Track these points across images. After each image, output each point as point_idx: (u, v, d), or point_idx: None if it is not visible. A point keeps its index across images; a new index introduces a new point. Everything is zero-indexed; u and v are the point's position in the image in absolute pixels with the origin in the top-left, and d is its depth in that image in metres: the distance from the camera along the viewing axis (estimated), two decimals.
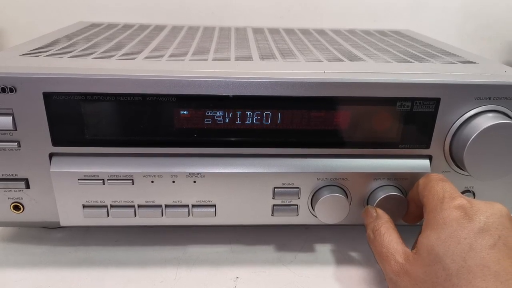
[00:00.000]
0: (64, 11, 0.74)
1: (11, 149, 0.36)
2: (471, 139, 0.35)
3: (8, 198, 0.38)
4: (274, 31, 0.60)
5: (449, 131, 0.37)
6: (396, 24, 0.77)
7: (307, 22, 0.78)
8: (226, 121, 0.36)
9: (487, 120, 0.36)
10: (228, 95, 0.35)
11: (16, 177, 0.37)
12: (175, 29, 0.59)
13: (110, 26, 0.59)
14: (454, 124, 0.37)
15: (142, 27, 0.59)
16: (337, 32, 0.61)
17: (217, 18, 0.77)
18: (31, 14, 0.75)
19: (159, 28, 0.59)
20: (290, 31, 0.61)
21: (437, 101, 0.36)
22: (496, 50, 0.82)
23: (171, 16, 0.76)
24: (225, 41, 0.51)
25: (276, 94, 0.36)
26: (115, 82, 0.34)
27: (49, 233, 0.43)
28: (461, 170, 0.39)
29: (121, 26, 0.59)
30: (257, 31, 0.61)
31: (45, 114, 0.35)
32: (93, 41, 0.47)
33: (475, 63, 0.43)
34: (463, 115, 0.37)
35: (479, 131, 0.35)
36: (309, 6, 0.78)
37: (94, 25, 0.59)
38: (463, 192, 0.40)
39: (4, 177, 0.37)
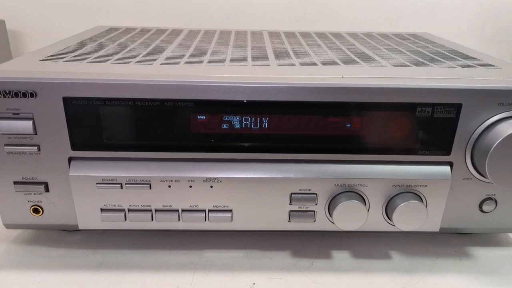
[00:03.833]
0: (82, 15, 0.75)
1: (31, 153, 0.36)
2: (493, 146, 0.35)
3: (28, 201, 0.38)
4: (290, 35, 0.60)
5: (470, 137, 0.37)
6: (412, 27, 0.76)
7: (323, 25, 0.77)
8: (243, 126, 0.36)
9: (510, 127, 0.35)
10: (245, 100, 0.35)
11: (35, 180, 0.37)
12: (192, 33, 0.59)
13: (127, 30, 0.60)
14: (476, 131, 0.36)
15: (159, 31, 0.59)
16: (353, 35, 0.61)
17: (232, 22, 0.77)
18: (49, 18, 0.76)
19: (175, 32, 0.59)
20: (306, 35, 0.60)
21: (458, 106, 0.36)
22: None
23: (186, 20, 0.76)
24: (242, 45, 0.51)
25: (294, 99, 0.35)
26: (134, 87, 0.35)
27: (67, 236, 0.43)
28: (482, 177, 0.38)
29: (139, 30, 0.60)
30: (273, 34, 0.60)
31: (65, 119, 0.35)
32: (111, 46, 0.48)
33: (497, 67, 0.42)
34: (485, 121, 0.36)
35: (502, 137, 0.34)
36: (324, 9, 0.78)
37: (112, 29, 0.60)
38: (484, 200, 0.40)
39: (24, 180, 0.37)
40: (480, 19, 0.78)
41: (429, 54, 0.48)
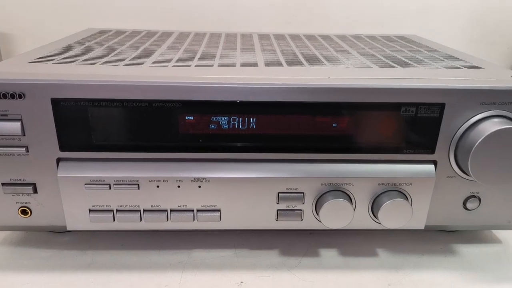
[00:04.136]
0: (74, 18, 0.75)
1: (19, 154, 0.36)
2: (476, 144, 0.35)
3: (16, 202, 0.38)
4: (279, 37, 0.61)
5: (454, 136, 0.37)
6: (402, 30, 0.77)
7: (314, 28, 0.78)
8: (231, 126, 0.37)
9: (493, 126, 0.36)
10: (233, 101, 0.36)
11: (24, 181, 0.38)
12: (182, 36, 0.59)
13: (118, 32, 0.60)
14: (459, 130, 0.37)
15: (150, 34, 0.60)
16: (342, 37, 0.62)
17: (223, 24, 0.78)
18: (40, 20, 0.76)
19: (166, 35, 0.59)
20: (295, 37, 0.61)
21: (442, 106, 0.36)
22: (503, 55, 0.82)
23: (178, 23, 0.76)
24: (231, 47, 0.52)
25: (281, 100, 0.36)
26: (122, 88, 0.35)
27: (56, 237, 0.43)
28: (466, 175, 0.39)
29: (129, 32, 0.60)
30: (263, 37, 0.61)
31: (53, 120, 0.35)
32: (101, 48, 0.48)
33: (480, 68, 0.43)
34: (468, 120, 0.37)
35: (484, 136, 0.35)
36: (315, 11, 0.78)
37: (102, 32, 0.60)
38: (468, 198, 0.40)
39: (12, 181, 0.37)
40: (469, 21, 0.79)
41: (415, 55, 0.49)
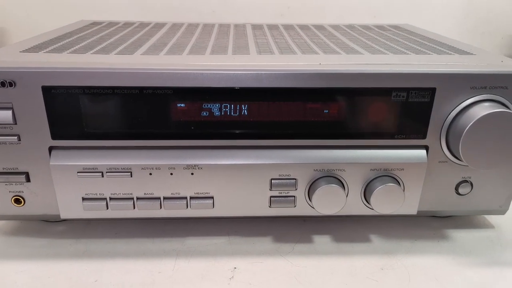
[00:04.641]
0: (67, 12, 0.75)
1: (11, 143, 0.36)
2: (467, 128, 0.35)
3: (9, 191, 0.38)
4: (273, 27, 0.61)
5: (445, 121, 0.38)
6: (396, 20, 0.77)
7: (307, 19, 0.78)
8: (223, 113, 0.37)
9: (483, 109, 0.36)
10: (225, 88, 0.36)
11: (16, 170, 0.38)
12: (175, 26, 0.59)
13: (110, 24, 0.60)
14: (450, 114, 0.37)
15: (142, 25, 0.59)
16: (335, 27, 0.62)
17: (217, 17, 0.78)
18: (34, 14, 0.76)
19: (159, 26, 0.59)
20: (288, 27, 0.61)
21: (432, 91, 0.37)
22: (497, 45, 0.82)
23: (171, 15, 0.76)
24: (224, 36, 0.52)
25: (272, 86, 0.36)
26: (113, 76, 0.35)
27: (50, 227, 0.43)
28: (458, 160, 0.39)
29: (122, 24, 0.60)
30: (256, 27, 0.61)
31: (44, 108, 0.35)
32: (93, 38, 0.48)
33: (471, 54, 0.43)
34: (459, 104, 0.37)
35: (474, 120, 0.35)
36: (309, 3, 0.78)
37: (95, 23, 0.60)
38: (460, 182, 0.40)
39: (4, 170, 0.37)
40: (463, 12, 0.80)
41: (407, 43, 0.49)
